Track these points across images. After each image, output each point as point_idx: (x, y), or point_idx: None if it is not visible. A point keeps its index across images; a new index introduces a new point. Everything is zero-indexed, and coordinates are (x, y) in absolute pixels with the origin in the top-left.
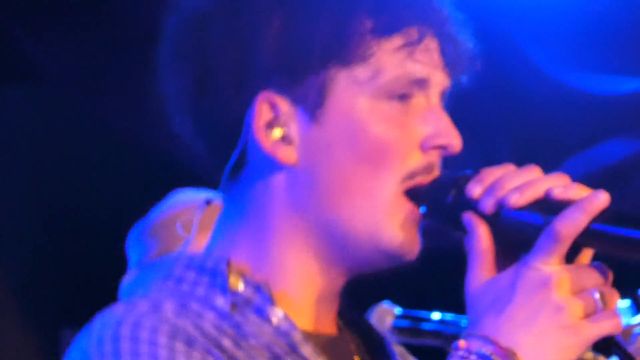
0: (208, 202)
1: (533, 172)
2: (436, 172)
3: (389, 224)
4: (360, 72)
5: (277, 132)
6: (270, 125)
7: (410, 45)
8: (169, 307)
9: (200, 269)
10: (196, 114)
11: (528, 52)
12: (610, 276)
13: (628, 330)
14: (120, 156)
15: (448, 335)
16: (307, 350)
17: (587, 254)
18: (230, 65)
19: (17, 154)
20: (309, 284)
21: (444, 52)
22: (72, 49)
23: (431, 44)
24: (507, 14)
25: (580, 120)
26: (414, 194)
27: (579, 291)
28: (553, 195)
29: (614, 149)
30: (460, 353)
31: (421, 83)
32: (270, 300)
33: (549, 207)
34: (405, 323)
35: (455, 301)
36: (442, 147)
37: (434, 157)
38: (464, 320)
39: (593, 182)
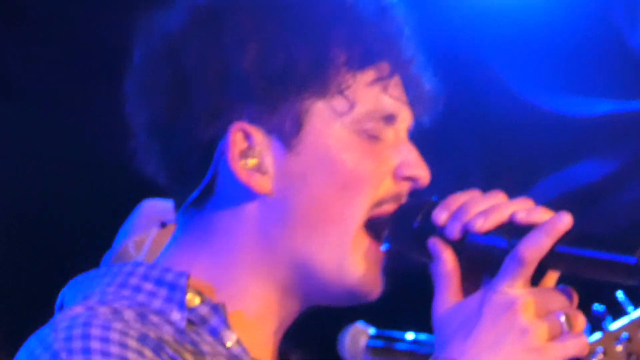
0: (163, 225)
1: (498, 197)
2: (403, 202)
3: (352, 258)
4: (336, 103)
5: (252, 162)
6: (245, 154)
7: (383, 80)
8: (128, 315)
9: (158, 282)
10: (166, 142)
11: (501, 74)
12: (576, 298)
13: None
14: (92, 169)
15: (421, 356)
16: None
17: (552, 276)
18: (205, 93)
19: None
20: (265, 312)
21: (407, 91)
22: (45, 64)
23: (399, 81)
24: (479, 37)
25: (552, 142)
26: (373, 225)
27: (544, 314)
28: (517, 219)
29: (587, 170)
30: None
31: (390, 119)
32: (226, 323)
33: (514, 230)
34: (379, 343)
35: (428, 322)
36: (412, 179)
37: (404, 188)
38: None
39: (566, 203)
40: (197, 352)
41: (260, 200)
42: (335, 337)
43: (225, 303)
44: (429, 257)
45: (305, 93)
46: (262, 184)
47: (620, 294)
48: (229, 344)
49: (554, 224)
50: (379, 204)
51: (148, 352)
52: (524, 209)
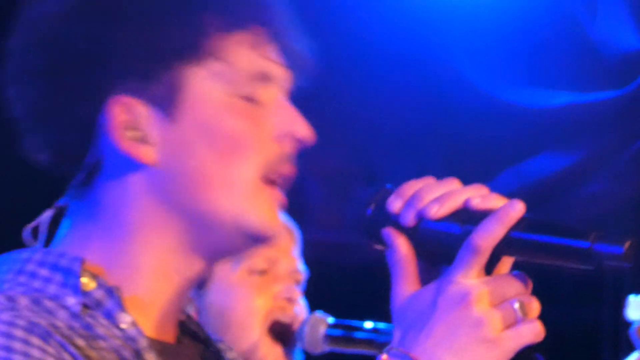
0: (56, 207)
1: (452, 184)
2: (292, 163)
3: (251, 208)
4: (210, 68)
5: (134, 134)
6: (127, 127)
7: (256, 43)
8: (23, 302)
9: (53, 267)
10: (48, 126)
11: (459, 66)
12: (530, 284)
13: None
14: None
15: (381, 344)
16: (150, 357)
17: (506, 262)
18: (81, 72)
19: None
20: (162, 285)
21: (283, 54)
22: None
23: (275, 44)
24: (440, 31)
25: (511, 134)
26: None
27: (498, 303)
28: (471, 206)
29: (545, 162)
30: None
31: (268, 79)
32: (120, 305)
33: (468, 217)
34: (338, 332)
35: (387, 310)
36: (295, 138)
37: (289, 148)
38: None
39: (524, 195)
40: (91, 336)
41: (146, 171)
42: None
43: (121, 285)
44: (384, 245)
45: (178, 61)
46: (146, 154)
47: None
48: (123, 326)
49: (507, 211)
50: (267, 165)
51: (35, 340)
52: (478, 196)
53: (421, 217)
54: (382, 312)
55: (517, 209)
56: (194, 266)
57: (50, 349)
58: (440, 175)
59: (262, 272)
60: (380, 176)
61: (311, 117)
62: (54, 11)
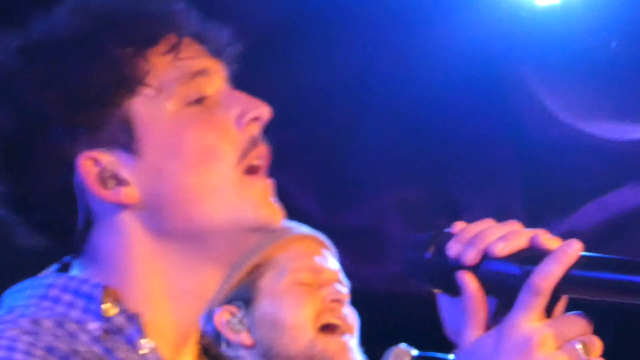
0: (62, 263)
1: (514, 225)
2: (263, 143)
3: (242, 202)
4: (146, 91)
5: (111, 182)
6: (101, 177)
7: (173, 49)
8: (47, 325)
9: (76, 293)
10: (18, 201)
11: (541, 99)
12: (591, 324)
13: None
14: None
15: None
16: None
17: (562, 301)
18: (35, 153)
19: None
20: (178, 307)
21: (205, 45)
22: None
23: (192, 43)
24: (521, 60)
25: (594, 166)
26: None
27: (561, 345)
28: (537, 245)
29: (629, 195)
30: None
31: (201, 73)
32: (141, 332)
33: (528, 259)
34: None
35: None
36: (255, 119)
37: (253, 130)
38: None
39: (608, 229)
40: None
41: (133, 209)
42: (379, 358)
43: (142, 311)
44: (442, 288)
45: (114, 101)
46: (127, 195)
47: None
48: (143, 352)
49: (565, 250)
50: (242, 156)
51: None
52: (542, 236)
53: (482, 259)
54: None
55: (575, 248)
56: (206, 280)
57: None
58: (522, 210)
59: (308, 284)
60: (461, 209)
61: (395, 150)
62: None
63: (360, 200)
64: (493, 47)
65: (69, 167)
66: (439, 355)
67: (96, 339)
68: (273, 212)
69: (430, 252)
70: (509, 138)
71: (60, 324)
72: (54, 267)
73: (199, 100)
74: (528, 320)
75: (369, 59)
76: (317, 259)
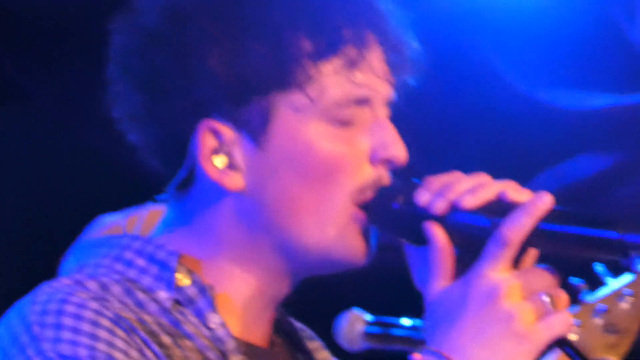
0: (152, 205)
1: (483, 177)
2: (378, 186)
3: (341, 239)
4: (301, 96)
5: (222, 160)
6: (215, 152)
7: (349, 66)
8: (115, 290)
9: (151, 258)
10: (145, 136)
11: (498, 67)
12: (558, 277)
13: None
14: (97, 172)
15: (419, 341)
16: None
17: (532, 255)
18: (174, 92)
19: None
20: (252, 294)
21: (388, 60)
22: (53, 72)
23: (373, 56)
24: (479, 32)
25: (551, 135)
26: (364, 207)
27: (528, 296)
28: (505, 198)
29: (585, 164)
30: None
31: (364, 102)
32: (212, 305)
33: (497, 211)
34: (376, 329)
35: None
36: (389, 160)
37: (383, 171)
38: None
39: (564, 197)
40: (178, 334)
41: (234, 196)
42: (331, 323)
43: (214, 284)
44: (410, 238)
45: (269, 89)
46: (233, 181)
47: (599, 267)
48: (212, 326)
49: (536, 203)
50: (361, 190)
51: (120, 332)
52: (510, 189)
53: (450, 209)
54: (420, 308)
55: (545, 201)
56: (281, 287)
57: (134, 344)
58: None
59: None
60: (416, 176)
61: None
62: (151, 27)
63: None
64: (450, 19)
65: (193, 121)
66: (392, 319)
67: (165, 310)
68: (364, 256)
69: (398, 202)
70: (466, 108)
71: (129, 291)
72: (147, 204)
73: (346, 123)
74: (495, 271)
75: None
76: None
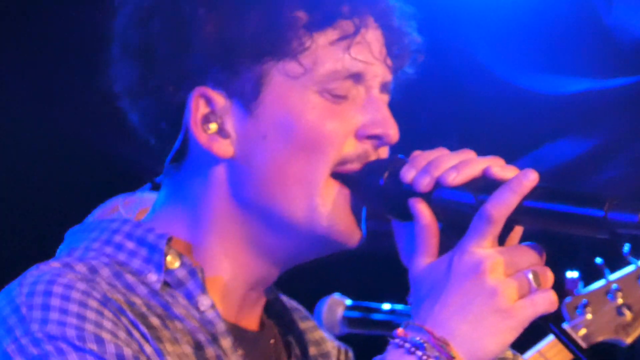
0: (153, 185)
1: (468, 154)
2: (361, 162)
3: (323, 208)
4: (294, 65)
5: (213, 127)
6: (207, 119)
7: (345, 39)
8: (104, 273)
9: (140, 241)
10: (141, 106)
11: (476, 53)
12: (544, 255)
13: (575, 301)
14: (68, 159)
15: (398, 326)
16: (226, 343)
17: (518, 232)
18: (169, 61)
19: None
20: (241, 272)
21: (387, 44)
22: (22, 57)
23: (371, 36)
24: (455, 16)
25: (529, 120)
26: (340, 177)
27: (512, 273)
28: (490, 175)
29: (563, 148)
30: (397, 340)
31: (357, 77)
32: (202, 287)
33: (482, 187)
34: (356, 314)
35: (405, 291)
36: (377, 137)
37: (369, 146)
38: None
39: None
40: (167, 316)
41: (224, 163)
42: (312, 308)
43: (204, 266)
44: (395, 214)
45: (262, 57)
46: (224, 148)
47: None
48: (202, 308)
49: (521, 180)
50: (342, 162)
51: (108, 313)
52: (495, 165)
53: (435, 185)
54: (400, 293)
55: (531, 178)
56: (269, 266)
57: (122, 324)
58: None
59: None
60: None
61: None
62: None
63: None
64: (428, 5)
65: (187, 88)
66: (373, 304)
67: (154, 292)
68: (353, 233)
69: (384, 178)
70: (445, 93)
71: (118, 274)
72: (147, 187)
73: (339, 97)
74: (479, 247)
75: None
76: None
